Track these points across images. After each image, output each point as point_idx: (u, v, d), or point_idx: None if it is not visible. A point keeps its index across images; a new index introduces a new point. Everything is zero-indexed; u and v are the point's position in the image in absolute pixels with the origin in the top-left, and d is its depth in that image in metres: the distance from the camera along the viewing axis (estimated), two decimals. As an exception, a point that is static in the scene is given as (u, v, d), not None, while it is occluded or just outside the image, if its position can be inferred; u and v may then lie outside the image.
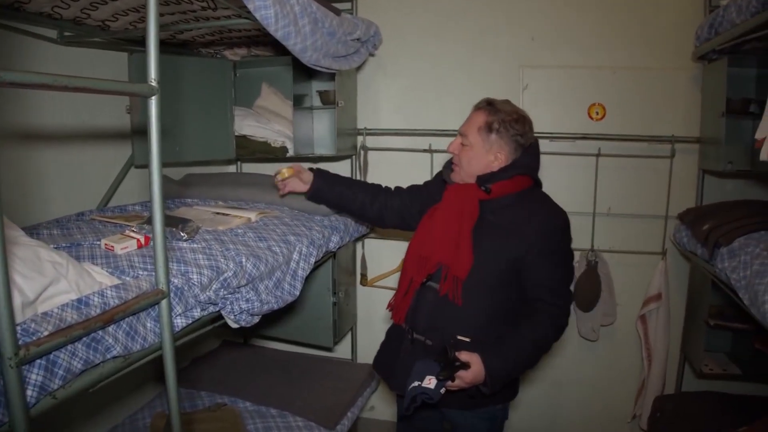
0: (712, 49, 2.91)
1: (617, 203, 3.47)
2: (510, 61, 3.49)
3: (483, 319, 2.16)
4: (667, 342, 3.38)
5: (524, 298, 2.17)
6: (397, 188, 2.70)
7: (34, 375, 1.17)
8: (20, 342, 1.07)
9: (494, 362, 2.01)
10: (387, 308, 2.44)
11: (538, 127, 3.31)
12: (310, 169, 2.69)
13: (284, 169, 2.67)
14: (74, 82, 1.13)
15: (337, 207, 2.78)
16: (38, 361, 1.17)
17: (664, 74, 3.34)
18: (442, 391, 1.98)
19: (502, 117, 2.18)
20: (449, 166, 2.38)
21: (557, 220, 2.18)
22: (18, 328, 1.10)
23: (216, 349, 3.89)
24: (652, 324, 3.39)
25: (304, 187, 2.67)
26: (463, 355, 2.00)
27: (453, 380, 1.99)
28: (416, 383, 2.00)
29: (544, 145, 3.35)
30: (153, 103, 1.38)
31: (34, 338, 1.14)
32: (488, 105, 2.24)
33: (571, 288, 2.24)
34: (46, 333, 1.16)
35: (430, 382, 1.98)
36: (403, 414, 2.21)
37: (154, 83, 1.36)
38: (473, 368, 1.99)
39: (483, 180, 2.20)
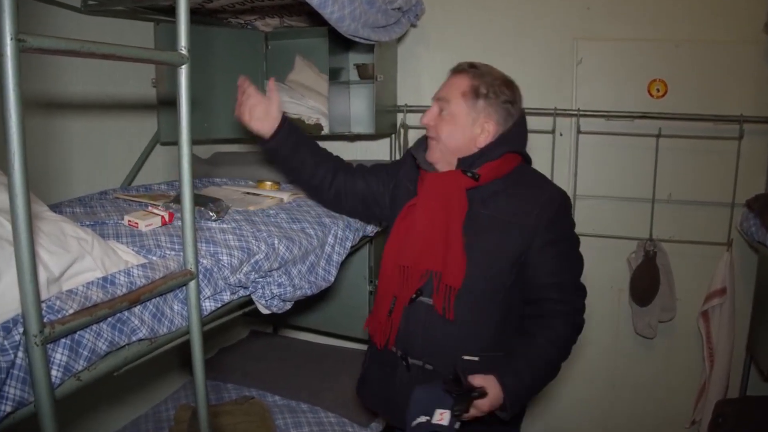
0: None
1: (679, 189, 3.42)
2: (563, 33, 3.45)
3: (489, 332, 1.98)
4: (732, 341, 3.33)
5: (530, 299, 1.99)
6: (360, 167, 2.41)
7: (59, 355, 1.20)
8: (45, 319, 1.10)
9: (512, 382, 1.83)
10: (364, 328, 2.26)
11: (593, 104, 3.31)
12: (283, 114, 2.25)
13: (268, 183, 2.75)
14: (102, 48, 1.15)
15: (290, 174, 2.41)
16: (63, 340, 1.20)
17: (732, 48, 3.26)
18: (457, 425, 1.79)
19: (489, 80, 1.97)
20: (422, 144, 2.17)
21: (560, 202, 1.99)
22: (43, 305, 1.12)
23: (244, 339, 3.94)
24: (715, 321, 3.34)
25: (264, 128, 2.19)
26: (477, 380, 1.80)
27: (468, 411, 1.78)
28: (424, 419, 1.80)
29: (599, 124, 3.35)
30: (183, 73, 1.39)
31: (59, 316, 1.16)
32: (471, 67, 2.02)
33: (582, 280, 2.03)
34: (71, 311, 1.19)
35: (442, 417, 1.77)
36: None
37: (184, 51, 1.37)
38: (490, 393, 1.79)
39: (467, 163, 1.99)
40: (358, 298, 3.37)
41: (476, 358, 1.89)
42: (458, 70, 2.06)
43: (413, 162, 2.18)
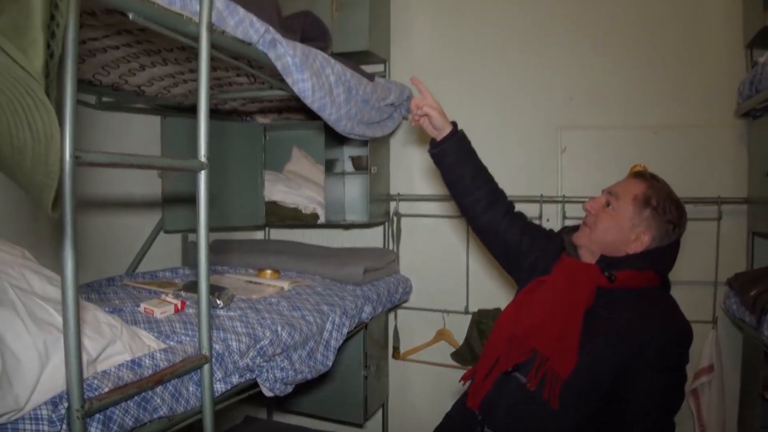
0: (753, 107, 3.02)
1: (664, 269, 3.54)
2: (548, 122, 3.64)
3: (570, 429, 1.93)
4: (723, 418, 3.39)
5: (616, 416, 1.91)
6: (522, 217, 2.48)
7: (93, 429, 1.39)
8: (85, 396, 1.30)
9: None
10: (460, 380, 2.26)
11: (578, 191, 3.47)
12: (453, 123, 2.37)
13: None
14: (139, 160, 1.39)
15: (447, 183, 2.46)
16: (97, 415, 1.39)
17: (708, 132, 3.44)
18: None
19: (663, 196, 2.01)
20: (574, 230, 2.22)
21: (679, 332, 1.94)
22: (84, 383, 1.32)
23: (238, 424, 4.00)
24: (705, 398, 3.41)
25: (433, 133, 2.36)
26: None
27: None
28: None
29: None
30: (202, 177, 1.66)
31: (97, 393, 1.37)
32: (652, 177, 2.07)
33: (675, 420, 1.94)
34: (106, 389, 1.40)
35: None
36: None
37: (203, 159, 1.65)
38: None
39: (607, 262, 2.02)
40: (352, 383, 3.46)
41: None
42: (638, 175, 2.11)
43: (559, 242, 2.27)
